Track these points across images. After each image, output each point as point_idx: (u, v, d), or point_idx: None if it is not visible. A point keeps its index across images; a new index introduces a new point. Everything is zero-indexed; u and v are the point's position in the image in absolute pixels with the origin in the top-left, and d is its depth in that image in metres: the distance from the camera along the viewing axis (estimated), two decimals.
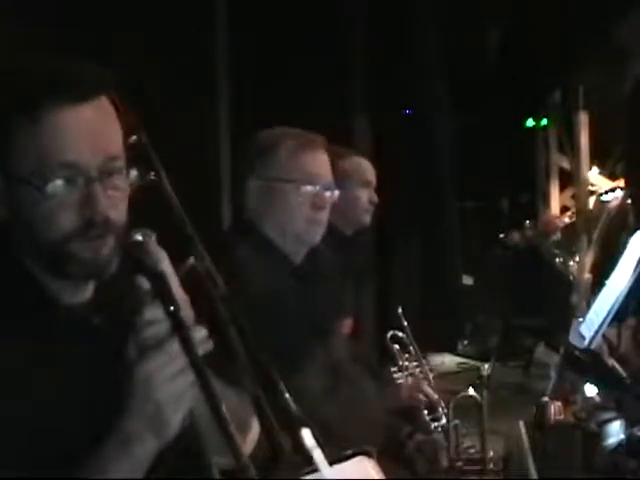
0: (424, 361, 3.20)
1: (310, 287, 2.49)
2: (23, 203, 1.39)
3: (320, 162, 2.51)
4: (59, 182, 1.37)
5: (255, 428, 1.42)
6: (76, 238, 1.38)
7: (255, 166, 2.48)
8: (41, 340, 1.38)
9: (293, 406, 1.29)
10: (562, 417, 2.67)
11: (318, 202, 2.48)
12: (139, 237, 1.39)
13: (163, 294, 1.35)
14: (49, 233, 1.39)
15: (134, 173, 1.45)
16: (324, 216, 2.51)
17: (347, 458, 1.31)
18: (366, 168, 3.28)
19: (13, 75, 1.42)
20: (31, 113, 1.36)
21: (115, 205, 1.41)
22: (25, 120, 1.37)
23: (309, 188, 2.46)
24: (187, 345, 1.32)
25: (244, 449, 1.30)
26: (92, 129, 1.39)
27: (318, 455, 1.16)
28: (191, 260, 1.47)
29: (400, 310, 3.24)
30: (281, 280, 2.42)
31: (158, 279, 1.36)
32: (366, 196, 3.21)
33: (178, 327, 1.33)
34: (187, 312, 1.39)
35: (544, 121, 9.03)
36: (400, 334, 3.20)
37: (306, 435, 1.19)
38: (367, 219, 3.24)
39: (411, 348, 3.19)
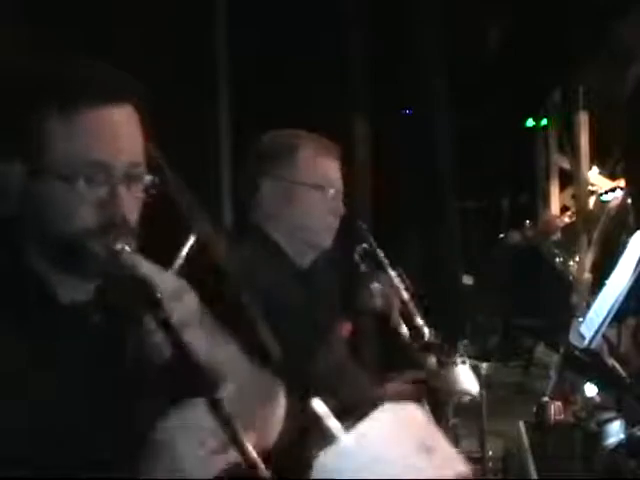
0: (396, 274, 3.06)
1: (313, 290, 2.49)
2: (45, 198, 1.40)
3: (335, 168, 2.53)
4: (85, 180, 1.39)
5: (282, 404, 1.43)
6: (94, 236, 1.39)
7: (270, 167, 2.47)
8: (40, 337, 1.39)
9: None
10: (562, 417, 2.67)
11: (334, 207, 2.49)
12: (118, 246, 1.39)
13: (150, 303, 1.34)
14: (69, 229, 1.40)
15: (148, 178, 1.46)
16: (337, 222, 2.52)
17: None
18: None
19: (50, 70, 1.44)
20: (66, 110, 1.38)
21: (133, 210, 1.43)
22: (59, 116, 1.39)
23: (328, 193, 2.47)
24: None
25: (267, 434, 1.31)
26: (121, 133, 1.42)
27: (333, 423, 1.13)
28: (193, 239, 1.49)
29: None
30: (284, 282, 2.42)
31: (141, 287, 1.36)
32: None
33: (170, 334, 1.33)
34: (192, 305, 1.39)
35: (544, 121, 9.02)
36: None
37: (317, 404, 1.16)
38: None
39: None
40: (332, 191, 2.48)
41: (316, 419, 1.13)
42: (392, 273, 2.93)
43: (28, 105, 1.41)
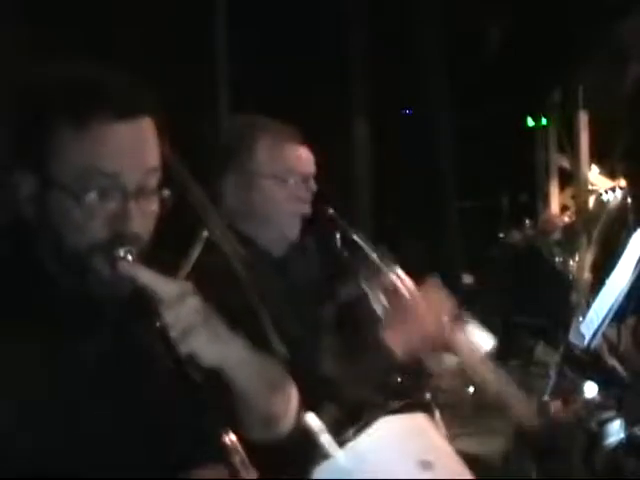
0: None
1: (289, 279, 2.48)
2: (56, 209, 1.40)
3: (298, 154, 2.50)
4: (97, 192, 1.38)
5: (294, 393, 1.44)
6: (101, 251, 1.39)
7: (231, 162, 2.45)
8: (51, 333, 1.40)
9: None
10: (562, 416, 2.67)
11: (298, 195, 2.47)
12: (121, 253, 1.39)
13: (148, 311, 1.35)
14: (76, 241, 1.40)
15: (166, 192, 1.47)
16: (306, 209, 2.50)
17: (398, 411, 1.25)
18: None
19: (66, 81, 1.43)
20: (80, 121, 1.38)
21: (145, 225, 1.43)
22: (73, 128, 1.38)
23: (290, 181, 2.45)
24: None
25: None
26: (136, 146, 1.42)
27: (326, 439, 1.11)
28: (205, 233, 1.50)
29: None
30: (261, 274, 2.40)
31: (140, 296, 1.37)
32: None
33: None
34: (196, 307, 1.39)
35: (544, 121, 9.01)
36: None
37: (311, 419, 1.14)
38: None
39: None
40: (293, 179, 2.46)
41: (310, 434, 1.12)
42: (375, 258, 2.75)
43: (41, 114, 1.41)
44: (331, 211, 2.65)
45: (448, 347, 2.63)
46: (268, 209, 2.45)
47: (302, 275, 2.60)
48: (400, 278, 2.63)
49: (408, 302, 2.56)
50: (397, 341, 2.47)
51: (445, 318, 2.60)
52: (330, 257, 2.75)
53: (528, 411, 2.39)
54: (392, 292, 2.59)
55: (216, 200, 2.45)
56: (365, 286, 2.67)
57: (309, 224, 2.72)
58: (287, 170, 2.45)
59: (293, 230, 2.49)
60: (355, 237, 2.65)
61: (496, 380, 2.60)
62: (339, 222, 2.65)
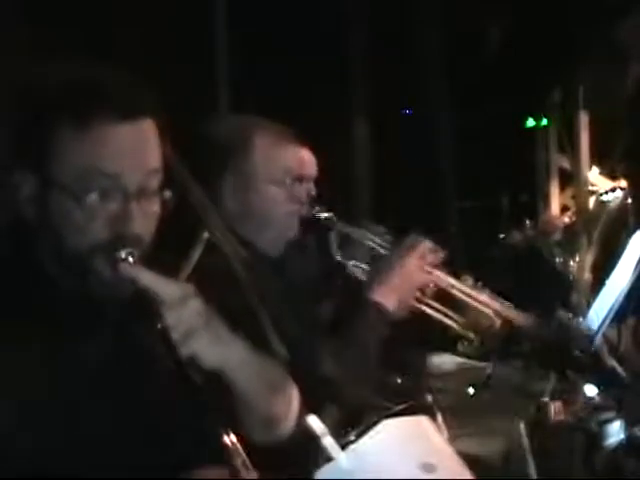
0: None
1: (286, 278, 2.48)
2: (56, 209, 1.40)
3: (295, 155, 2.50)
4: (97, 193, 1.38)
5: (295, 394, 1.44)
6: (102, 252, 1.39)
7: (228, 164, 2.45)
8: (51, 335, 1.40)
9: None
10: (562, 417, 2.67)
11: (296, 195, 2.47)
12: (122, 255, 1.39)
13: (149, 312, 1.35)
14: (77, 242, 1.39)
15: (168, 194, 1.47)
16: (304, 209, 2.51)
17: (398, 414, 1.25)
18: None
19: (66, 81, 1.43)
20: (81, 122, 1.37)
21: (147, 226, 1.42)
22: (74, 128, 1.38)
23: (287, 182, 2.45)
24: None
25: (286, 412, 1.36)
26: (137, 147, 1.42)
27: (329, 441, 1.11)
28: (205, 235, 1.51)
29: None
30: (262, 276, 2.40)
31: (142, 298, 1.37)
32: None
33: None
34: (198, 309, 1.39)
35: (544, 121, 9.00)
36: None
37: (313, 422, 1.14)
38: None
39: None
40: (290, 180, 2.45)
41: (312, 437, 1.12)
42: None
43: (42, 114, 1.40)
44: (316, 208, 2.66)
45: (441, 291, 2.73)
46: (266, 210, 2.45)
47: (300, 274, 2.60)
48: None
49: (392, 257, 2.62)
50: (387, 295, 2.53)
51: (432, 267, 2.72)
52: (327, 255, 2.76)
53: (523, 318, 2.56)
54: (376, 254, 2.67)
55: (215, 201, 2.44)
56: (341, 257, 2.70)
57: (307, 223, 2.73)
58: (284, 171, 2.45)
59: (291, 231, 2.50)
60: (347, 229, 2.69)
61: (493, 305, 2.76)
62: (324, 217, 2.65)
